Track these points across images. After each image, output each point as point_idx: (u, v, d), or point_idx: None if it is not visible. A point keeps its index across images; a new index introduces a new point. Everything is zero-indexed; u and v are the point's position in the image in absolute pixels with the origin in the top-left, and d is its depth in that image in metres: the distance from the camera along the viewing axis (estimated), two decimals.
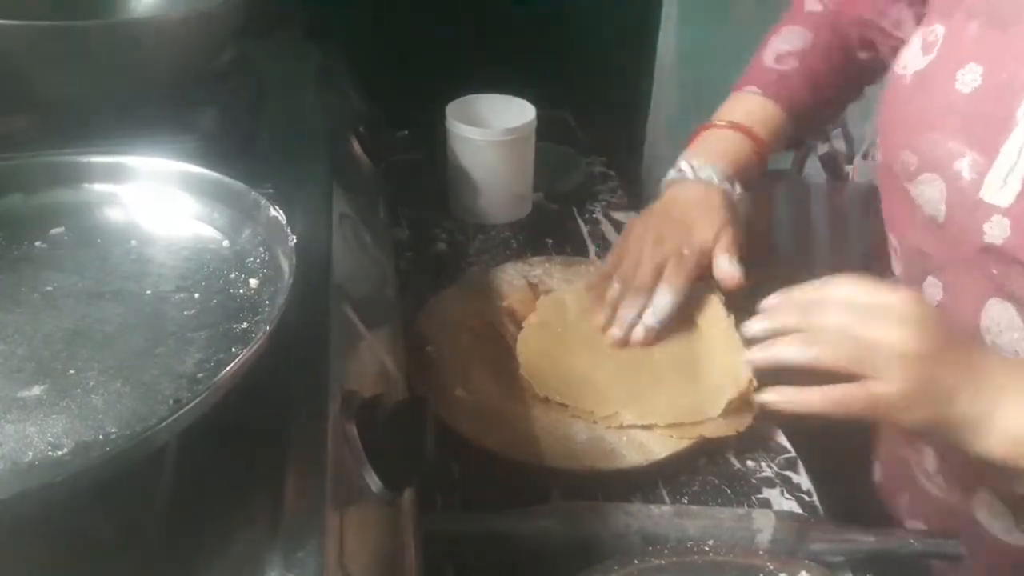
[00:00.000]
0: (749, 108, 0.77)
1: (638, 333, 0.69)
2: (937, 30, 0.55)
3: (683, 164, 0.74)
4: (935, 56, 0.54)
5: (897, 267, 0.63)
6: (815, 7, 0.78)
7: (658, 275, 0.69)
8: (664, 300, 0.69)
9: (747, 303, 0.78)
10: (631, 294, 0.70)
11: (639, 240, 0.71)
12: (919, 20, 0.67)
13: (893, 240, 0.62)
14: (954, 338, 0.48)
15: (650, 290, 0.69)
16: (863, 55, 0.77)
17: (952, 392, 0.47)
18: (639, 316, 0.70)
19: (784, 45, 0.77)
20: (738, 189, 0.73)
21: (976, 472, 0.58)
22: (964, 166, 0.51)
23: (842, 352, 0.49)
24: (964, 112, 0.51)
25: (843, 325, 0.49)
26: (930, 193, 0.54)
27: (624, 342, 0.70)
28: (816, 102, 0.78)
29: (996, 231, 0.50)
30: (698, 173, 0.73)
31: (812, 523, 0.56)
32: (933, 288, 0.57)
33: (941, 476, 0.62)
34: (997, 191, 0.49)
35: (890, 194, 0.61)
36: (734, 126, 0.75)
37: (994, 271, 0.51)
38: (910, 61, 0.57)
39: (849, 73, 0.79)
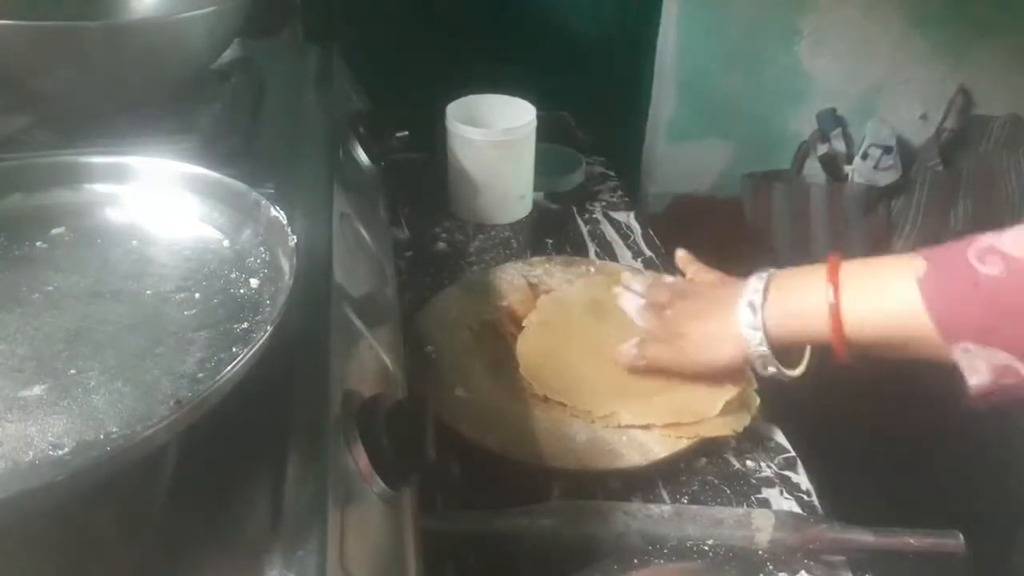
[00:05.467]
0: (883, 288, 0.56)
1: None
2: None
3: (762, 280, 0.62)
4: None
5: None
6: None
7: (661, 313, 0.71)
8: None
9: None
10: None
11: (682, 295, 0.71)
12: None
13: None
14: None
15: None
16: None
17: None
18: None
19: (1007, 244, 0.51)
20: (764, 351, 0.61)
21: None
22: None
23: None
24: None
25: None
26: None
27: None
28: (990, 334, 0.51)
29: None
30: (741, 320, 0.61)
31: (811, 523, 0.56)
32: None
33: None
34: None
35: None
36: (832, 303, 0.57)
37: None
38: None
39: None
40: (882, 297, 0.55)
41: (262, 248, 0.45)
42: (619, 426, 0.64)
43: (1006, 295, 0.49)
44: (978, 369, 0.51)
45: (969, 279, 0.50)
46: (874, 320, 0.56)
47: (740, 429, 0.64)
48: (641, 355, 0.67)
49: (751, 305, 0.61)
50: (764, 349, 0.61)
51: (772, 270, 0.63)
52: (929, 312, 0.51)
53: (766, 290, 0.61)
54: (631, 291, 0.74)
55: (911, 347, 0.54)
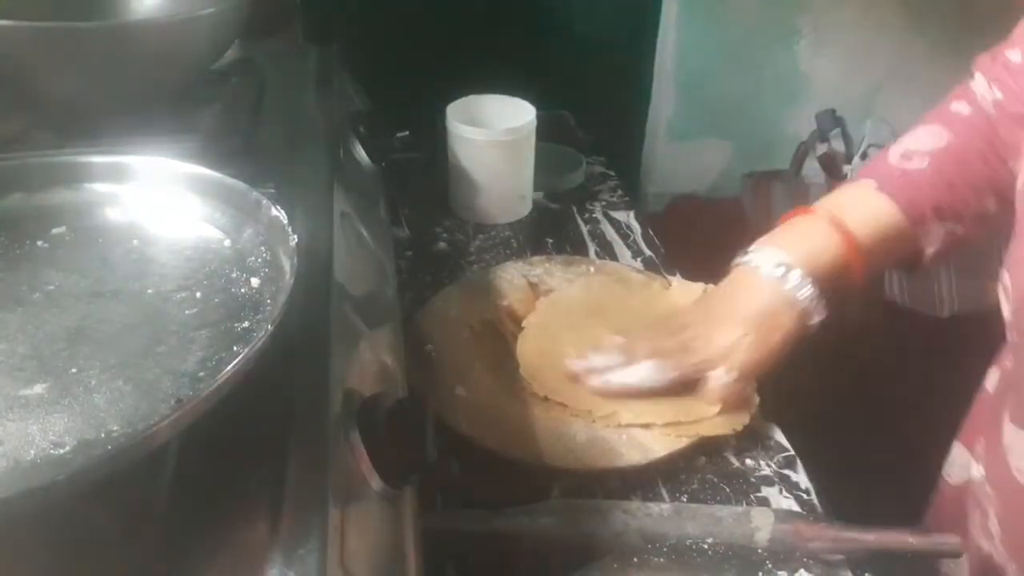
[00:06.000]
0: (859, 204, 0.64)
1: (593, 381, 0.65)
2: None
3: (752, 248, 0.66)
4: None
5: (1006, 310, 0.56)
6: (961, 108, 0.66)
7: (655, 354, 0.64)
8: (642, 371, 0.64)
9: None
10: (618, 351, 0.65)
11: (669, 319, 0.68)
12: None
13: (1005, 278, 0.56)
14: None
15: (636, 358, 0.65)
16: (1013, 163, 0.63)
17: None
18: (604, 368, 0.65)
19: (914, 143, 0.66)
20: (806, 291, 0.62)
21: None
22: None
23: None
24: None
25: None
26: None
27: (574, 379, 0.66)
28: (944, 214, 0.64)
29: None
30: (759, 262, 0.64)
31: (811, 522, 0.56)
32: None
33: (1000, 543, 0.60)
34: None
35: (1021, 233, 0.54)
36: (831, 219, 0.63)
37: None
38: None
39: (990, 185, 0.65)
40: (860, 207, 0.65)
41: (263, 247, 0.46)
42: (619, 425, 0.64)
43: (938, 176, 0.64)
44: (934, 240, 0.64)
45: (903, 175, 0.65)
46: (867, 224, 0.64)
47: (740, 428, 0.64)
48: (726, 373, 0.62)
49: (762, 252, 0.64)
50: (798, 280, 0.62)
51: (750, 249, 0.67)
52: (898, 205, 0.63)
53: (764, 249, 0.65)
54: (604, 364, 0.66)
55: (896, 244, 0.65)
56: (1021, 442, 0.56)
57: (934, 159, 0.64)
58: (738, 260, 0.66)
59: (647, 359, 0.64)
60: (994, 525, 0.60)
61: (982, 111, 0.65)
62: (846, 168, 1.66)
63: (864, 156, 1.63)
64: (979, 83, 0.65)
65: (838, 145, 1.67)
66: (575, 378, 0.66)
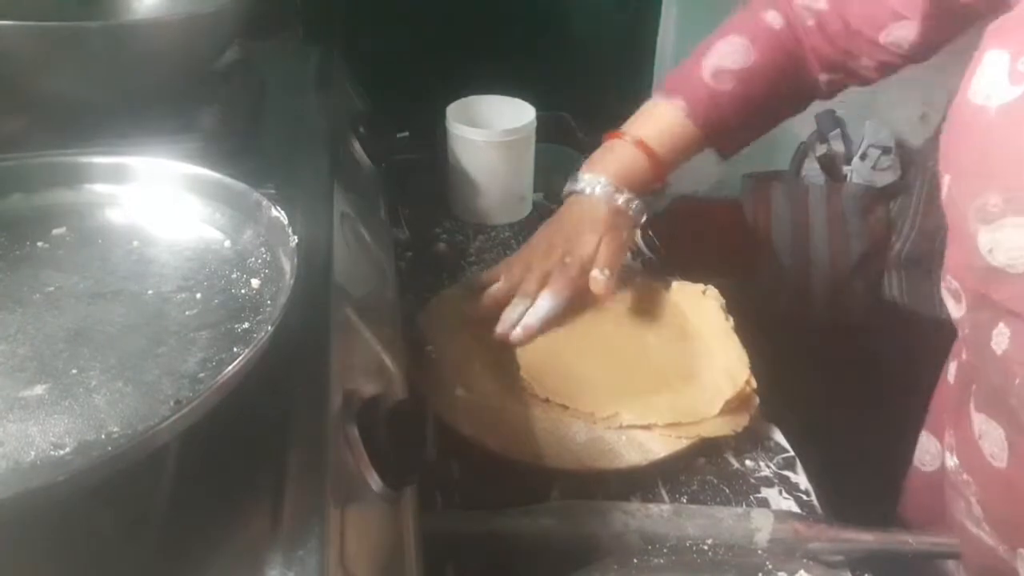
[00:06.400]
0: (664, 126, 0.76)
1: (517, 334, 0.72)
2: None
3: (580, 175, 0.77)
4: None
5: (957, 310, 0.58)
6: (774, 22, 0.73)
7: (543, 282, 0.73)
8: (544, 304, 0.72)
9: (745, 305, 0.79)
10: (517, 298, 0.73)
11: (533, 248, 0.76)
12: (925, 36, 0.67)
13: (953, 282, 0.58)
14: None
15: (534, 295, 0.73)
16: (825, 76, 0.75)
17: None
18: (520, 318, 0.72)
19: (724, 60, 0.74)
20: (625, 196, 0.75)
21: (1018, 531, 0.57)
22: None
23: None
24: None
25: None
26: (1016, 240, 0.49)
27: (504, 339, 0.72)
28: (744, 125, 0.77)
29: None
30: (588, 185, 0.76)
31: (810, 522, 0.56)
32: (1001, 337, 0.53)
33: (988, 525, 0.60)
34: None
35: (957, 237, 0.56)
36: (638, 144, 0.76)
37: None
38: (993, 91, 0.50)
39: (792, 97, 0.78)
40: (663, 129, 0.76)
41: (263, 248, 0.46)
42: (620, 426, 0.64)
43: (741, 96, 0.74)
44: (731, 143, 0.80)
45: (711, 97, 0.74)
46: (665, 144, 0.76)
47: (739, 429, 0.65)
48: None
49: (590, 179, 0.76)
50: (622, 195, 0.75)
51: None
52: (698, 127, 0.75)
53: (590, 175, 0.76)
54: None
55: (692, 151, 0.78)
56: (991, 429, 0.58)
57: (739, 80, 0.74)
58: (570, 188, 0.77)
59: (542, 290, 0.73)
60: (978, 510, 0.61)
61: (794, 27, 0.73)
62: (846, 168, 1.66)
63: (863, 156, 1.63)
64: None
65: (838, 146, 1.67)
66: (505, 339, 0.72)
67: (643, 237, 0.93)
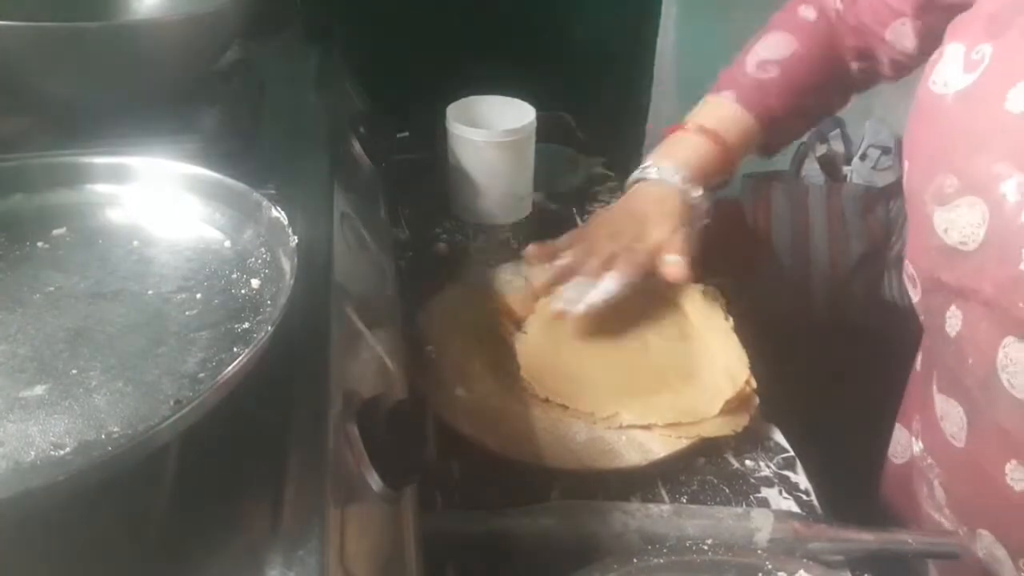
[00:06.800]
0: (722, 115, 0.78)
1: (580, 309, 0.71)
2: (984, 49, 0.52)
3: (648, 164, 0.78)
4: (981, 75, 0.51)
5: (915, 295, 0.60)
6: (808, 14, 0.78)
7: (608, 266, 0.72)
8: (609, 285, 0.72)
9: (745, 305, 0.79)
10: (581, 276, 0.73)
11: (597, 229, 0.76)
12: (920, 35, 0.69)
13: (910, 268, 0.60)
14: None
15: (598, 275, 0.72)
16: (856, 65, 0.78)
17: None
18: (580, 296, 0.72)
19: (767, 52, 0.78)
20: (699, 192, 0.76)
21: (978, 511, 0.59)
22: (1010, 188, 0.48)
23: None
24: (1013, 133, 0.49)
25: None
26: (968, 218, 0.51)
27: (560, 316, 0.72)
28: (792, 113, 0.79)
29: None
30: (661, 175, 0.76)
31: (810, 522, 0.56)
32: (954, 319, 0.55)
33: (949, 510, 0.62)
34: None
35: (915, 221, 0.58)
36: (703, 131, 0.77)
37: (1021, 304, 0.49)
38: (950, 79, 0.54)
39: (834, 85, 0.80)
40: (721, 116, 0.78)
41: (263, 248, 0.46)
42: (620, 426, 0.64)
43: (787, 83, 0.77)
44: (783, 134, 0.83)
45: (758, 86, 0.78)
46: (729, 130, 0.77)
47: (739, 429, 0.65)
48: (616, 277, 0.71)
49: (661, 167, 0.76)
50: (691, 185, 0.75)
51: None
52: (752, 113, 0.78)
53: (660, 165, 0.77)
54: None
55: (751, 139, 0.80)
56: (951, 409, 0.60)
57: (783, 68, 0.77)
58: (639, 176, 0.78)
59: (607, 271, 0.72)
60: (940, 494, 0.62)
61: (826, 17, 0.77)
62: (846, 169, 1.66)
63: (863, 157, 1.63)
64: None
65: (838, 146, 1.67)
66: (560, 316, 0.72)
67: None
